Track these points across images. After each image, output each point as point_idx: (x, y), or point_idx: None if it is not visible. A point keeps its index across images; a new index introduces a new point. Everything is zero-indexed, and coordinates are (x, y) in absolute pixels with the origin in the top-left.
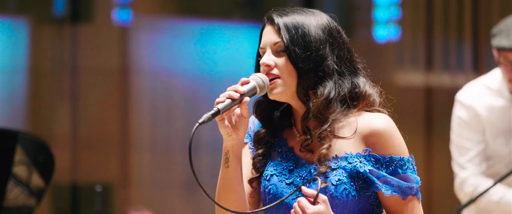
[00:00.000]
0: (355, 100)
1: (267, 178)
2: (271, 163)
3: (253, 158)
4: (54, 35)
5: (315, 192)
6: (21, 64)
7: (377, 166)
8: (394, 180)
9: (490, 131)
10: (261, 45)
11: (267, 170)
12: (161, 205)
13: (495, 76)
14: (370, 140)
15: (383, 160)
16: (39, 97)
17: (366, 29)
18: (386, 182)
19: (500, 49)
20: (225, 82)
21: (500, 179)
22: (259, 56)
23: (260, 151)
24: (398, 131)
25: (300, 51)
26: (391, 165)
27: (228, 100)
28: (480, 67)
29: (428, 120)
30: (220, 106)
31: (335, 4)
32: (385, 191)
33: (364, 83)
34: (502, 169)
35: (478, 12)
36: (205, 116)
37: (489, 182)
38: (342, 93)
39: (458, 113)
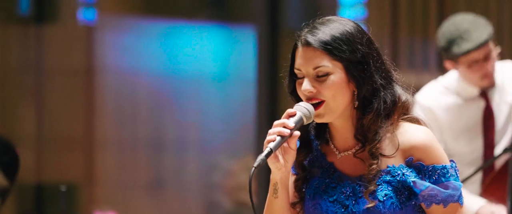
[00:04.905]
0: (393, 112)
1: (311, 197)
2: (313, 181)
3: (295, 182)
4: (19, 35)
5: None
6: None
7: (420, 176)
8: (435, 189)
9: (449, 131)
10: (296, 67)
11: (310, 188)
12: (126, 204)
13: (453, 76)
14: (412, 153)
15: (427, 170)
16: (4, 96)
17: None
18: (427, 195)
19: (463, 54)
20: (190, 82)
21: (463, 181)
22: (293, 74)
23: (301, 175)
24: (436, 140)
25: (355, 71)
26: (434, 174)
27: (278, 138)
28: (444, 67)
29: None
30: (271, 145)
31: (300, 4)
32: (426, 205)
33: (402, 93)
34: (463, 168)
35: (443, 12)
36: (259, 159)
37: None
38: (387, 107)
39: (418, 113)
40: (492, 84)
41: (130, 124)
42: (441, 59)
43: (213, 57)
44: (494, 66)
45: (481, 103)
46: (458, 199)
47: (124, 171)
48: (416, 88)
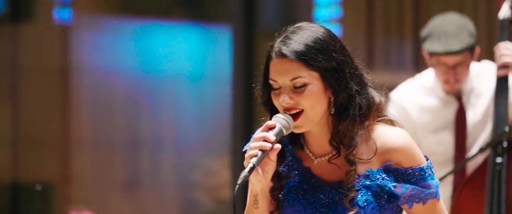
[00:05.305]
0: (368, 117)
1: (290, 204)
2: (291, 187)
3: (271, 191)
4: None
5: None
6: None
7: (399, 179)
8: (415, 189)
9: (422, 129)
10: (272, 78)
11: (288, 195)
12: (101, 204)
13: (430, 74)
14: (389, 156)
15: (405, 173)
16: None
17: None
18: (409, 196)
19: (433, 54)
20: (166, 82)
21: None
22: (267, 85)
23: (278, 185)
24: (413, 141)
25: (332, 79)
26: (412, 177)
27: (260, 152)
28: (420, 66)
29: None
30: (254, 161)
31: (276, 3)
32: (409, 205)
33: (376, 96)
34: (436, 168)
35: (419, 12)
36: (243, 175)
37: None
38: (363, 113)
39: (391, 111)
40: (454, 91)
41: (106, 123)
42: (417, 58)
43: (188, 57)
44: (463, 75)
45: (455, 105)
46: (436, 195)
47: (100, 171)
48: (391, 89)
